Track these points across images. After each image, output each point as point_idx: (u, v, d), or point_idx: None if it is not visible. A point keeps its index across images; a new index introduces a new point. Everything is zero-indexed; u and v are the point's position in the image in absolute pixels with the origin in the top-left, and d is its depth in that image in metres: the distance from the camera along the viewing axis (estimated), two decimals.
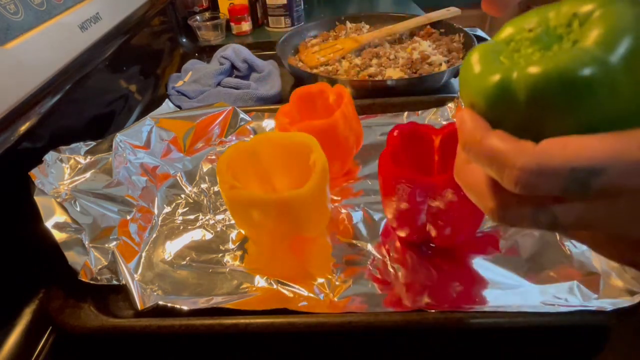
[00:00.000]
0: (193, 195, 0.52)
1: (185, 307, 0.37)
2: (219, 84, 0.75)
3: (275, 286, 0.40)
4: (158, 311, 0.38)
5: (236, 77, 0.78)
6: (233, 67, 0.78)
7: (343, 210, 0.47)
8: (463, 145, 0.20)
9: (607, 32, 0.16)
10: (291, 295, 0.39)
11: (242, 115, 0.62)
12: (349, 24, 0.91)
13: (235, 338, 0.40)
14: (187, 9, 1.02)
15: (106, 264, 0.41)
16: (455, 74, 0.69)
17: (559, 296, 0.36)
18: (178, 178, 0.54)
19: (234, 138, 0.61)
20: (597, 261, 0.38)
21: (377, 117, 0.62)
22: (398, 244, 0.43)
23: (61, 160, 0.45)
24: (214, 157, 0.58)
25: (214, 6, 1.05)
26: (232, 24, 1.01)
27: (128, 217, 0.46)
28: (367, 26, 0.90)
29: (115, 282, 0.40)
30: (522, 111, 0.18)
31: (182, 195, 0.52)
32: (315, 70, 0.76)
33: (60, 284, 0.40)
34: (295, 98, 0.53)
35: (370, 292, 0.38)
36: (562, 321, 0.34)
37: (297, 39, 0.87)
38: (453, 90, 0.72)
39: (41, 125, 0.45)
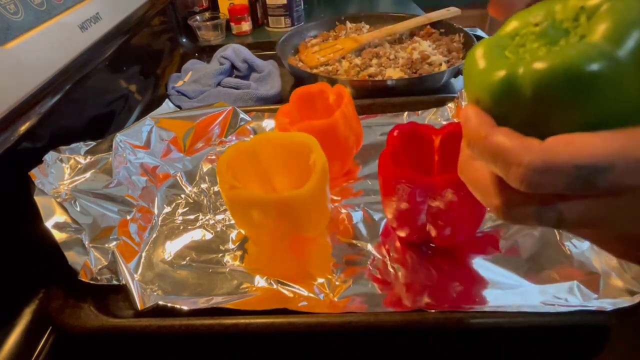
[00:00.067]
0: (193, 195, 0.52)
1: (185, 307, 0.37)
2: (219, 84, 0.75)
3: (275, 286, 0.40)
4: (158, 311, 0.38)
5: (236, 77, 0.78)
6: (233, 67, 0.78)
7: (343, 210, 0.47)
8: (468, 142, 0.20)
9: (615, 26, 0.16)
10: (291, 295, 0.39)
11: (242, 115, 0.62)
12: (349, 24, 0.90)
13: (235, 338, 0.40)
14: (187, 9, 1.02)
15: (106, 264, 0.41)
16: (455, 74, 0.69)
17: (559, 296, 0.36)
18: (178, 178, 0.54)
19: (234, 138, 0.61)
20: (597, 261, 0.38)
21: (377, 117, 0.62)
22: (398, 244, 0.43)
23: (61, 160, 0.45)
24: (214, 157, 0.58)
25: (214, 6, 1.05)
26: (232, 24, 1.01)
27: (128, 217, 0.46)
28: (367, 26, 0.90)
29: (115, 282, 0.40)
30: (528, 107, 0.17)
31: (182, 195, 0.52)
32: (315, 70, 0.75)
33: (60, 284, 0.40)
34: (295, 98, 0.53)
35: (370, 292, 0.38)
36: (562, 321, 0.34)
37: (297, 39, 0.87)
38: (453, 90, 0.72)
39: (41, 125, 0.45)
